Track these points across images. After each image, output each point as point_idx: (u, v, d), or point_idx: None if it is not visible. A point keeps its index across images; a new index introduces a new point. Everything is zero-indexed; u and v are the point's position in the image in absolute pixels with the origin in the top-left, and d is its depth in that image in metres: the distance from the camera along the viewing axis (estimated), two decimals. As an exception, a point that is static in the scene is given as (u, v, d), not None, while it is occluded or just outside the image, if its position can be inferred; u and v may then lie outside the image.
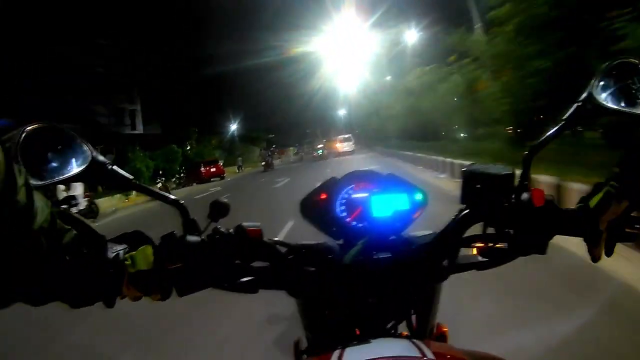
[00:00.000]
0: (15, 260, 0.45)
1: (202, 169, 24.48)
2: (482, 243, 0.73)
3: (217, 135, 43.11)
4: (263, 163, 27.91)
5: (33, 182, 0.50)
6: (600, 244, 0.65)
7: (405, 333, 0.79)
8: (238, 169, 31.95)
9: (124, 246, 0.64)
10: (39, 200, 0.47)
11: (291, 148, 46.66)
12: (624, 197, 0.63)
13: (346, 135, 36.36)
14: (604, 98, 0.64)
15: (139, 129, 33.28)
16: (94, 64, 27.08)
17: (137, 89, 32.82)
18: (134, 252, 0.63)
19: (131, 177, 0.69)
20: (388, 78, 29.49)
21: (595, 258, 0.67)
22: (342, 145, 33.95)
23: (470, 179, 0.70)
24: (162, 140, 29.61)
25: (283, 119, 79.16)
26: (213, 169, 24.87)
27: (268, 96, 65.90)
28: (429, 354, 0.55)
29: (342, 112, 66.69)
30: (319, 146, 35.67)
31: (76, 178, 0.65)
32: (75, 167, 0.65)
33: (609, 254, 0.67)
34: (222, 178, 24.80)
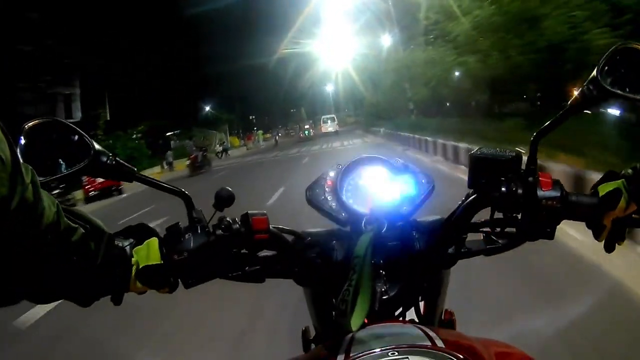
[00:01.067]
0: (23, 258, 0.48)
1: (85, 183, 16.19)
2: (489, 228, 0.76)
3: (176, 122, 39.03)
4: (188, 162, 20.85)
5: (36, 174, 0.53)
6: (604, 235, 0.68)
7: (414, 320, 0.81)
8: (164, 167, 26.01)
9: (130, 241, 0.66)
10: (46, 198, 0.49)
11: (259, 131, 40.09)
12: (633, 200, 0.65)
13: (330, 116, 38.45)
14: (610, 83, 0.65)
15: (76, 117, 28.23)
16: (17, 42, 23.00)
17: (77, 70, 28.50)
18: (140, 247, 0.66)
19: (134, 169, 0.71)
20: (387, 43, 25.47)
21: (606, 248, 0.70)
22: (326, 126, 36.29)
23: (477, 163, 0.71)
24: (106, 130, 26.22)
25: (266, 100, 72.12)
26: (98, 183, 16.09)
27: (248, 76, 58.57)
28: (439, 342, 0.57)
29: (330, 89, 59.55)
30: (305, 127, 38.12)
31: (79, 172, 0.68)
32: (78, 161, 0.67)
33: (609, 250, 0.70)
34: (119, 192, 17.33)
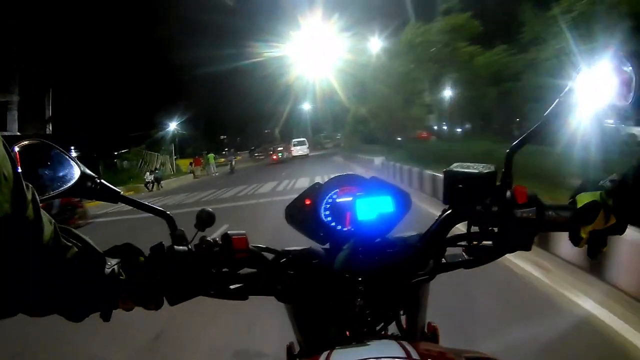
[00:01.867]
0: (23, 274, 0.51)
1: None
2: (466, 242, 0.79)
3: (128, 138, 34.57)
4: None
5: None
6: (582, 244, 0.71)
7: (396, 334, 0.85)
8: (149, 188, 23.29)
9: (117, 260, 0.70)
10: (44, 216, 0.52)
11: (209, 154, 33.10)
12: (612, 213, 0.68)
13: (300, 139, 39.23)
14: (586, 91, 0.68)
15: (12, 129, 25.24)
16: None
17: (17, 75, 25.27)
18: (127, 266, 0.70)
19: (119, 190, 0.76)
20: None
21: (590, 254, 0.73)
22: (296, 149, 36.80)
23: (452, 179, 0.74)
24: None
25: (238, 118, 68.23)
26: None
27: (218, 90, 54.64)
28: (415, 355, 0.59)
29: (307, 108, 56.09)
30: (279, 149, 38.41)
31: (66, 193, 0.71)
32: (65, 182, 0.71)
33: (592, 256, 0.73)
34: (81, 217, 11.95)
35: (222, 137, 78.15)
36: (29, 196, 0.48)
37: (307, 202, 0.92)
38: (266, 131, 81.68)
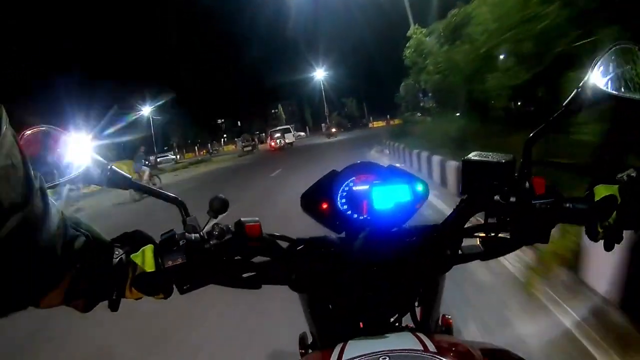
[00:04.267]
0: (33, 265, 0.53)
1: None
2: (484, 233, 0.82)
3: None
4: None
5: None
6: (599, 237, 0.74)
7: (410, 325, 0.90)
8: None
9: (126, 248, 0.74)
10: (52, 205, 0.55)
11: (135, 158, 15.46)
12: (628, 207, 0.71)
13: (284, 127, 38.85)
14: (604, 83, 0.71)
15: None
16: None
17: None
18: (136, 254, 0.73)
19: (130, 176, 0.79)
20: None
21: (606, 247, 0.75)
22: (278, 139, 35.47)
23: (470, 169, 0.77)
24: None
25: (238, 97, 54.94)
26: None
27: (214, 62, 44.59)
28: (431, 347, 0.61)
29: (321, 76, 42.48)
30: (276, 134, 36.34)
31: (76, 179, 0.74)
32: (75, 169, 0.74)
33: (608, 249, 0.75)
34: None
35: (219, 120, 63.18)
36: (37, 185, 0.49)
37: (323, 189, 0.94)
38: (274, 111, 66.51)
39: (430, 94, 18.05)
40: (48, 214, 0.52)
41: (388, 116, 61.56)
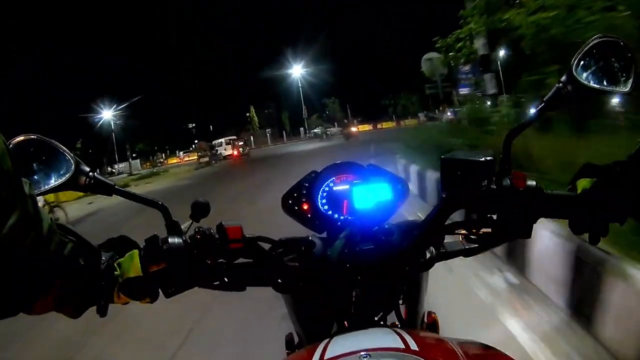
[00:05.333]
0: (24, 271, 0.53)
1: None
2: (465, 229, 0.84)
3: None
4: None
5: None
6: (583, 231, 0.76)
7: (396, 323, 0.92)
8: None
9: (112, 254, 0.76)
10: (42, 211, 0.57)
11: None
12: (613, 202, 0.72)
13: (232, 137, 37.00)
14: (585, 77, 0.72)
15: None
16: None
17: None
18: (122, 259, 0.76)
19: (113, 183, 0.81)
20: None
21: (591, 241, 0.76)
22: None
23: (449, 167, 0.78)
24: None
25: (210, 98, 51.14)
26: None
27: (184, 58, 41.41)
28: (413, 345, 0.61)
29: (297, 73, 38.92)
30: (240, 142, 35.50)
31: (61, 187, 0.77)
32: (59, 177, 0.76)
33: (593, 243, 0.76)
34: None
35: (189, 125, 57.99)
36: (27, 191, 0.51)
37: (304, 190, 0.96)
38: (247, 114, 61.37)
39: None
40: (38, 220, 0.53)
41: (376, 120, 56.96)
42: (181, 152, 50.33)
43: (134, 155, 48.60)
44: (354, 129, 32.55)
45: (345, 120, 35.92)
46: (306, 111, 56.40)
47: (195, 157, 37.06)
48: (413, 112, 55.52)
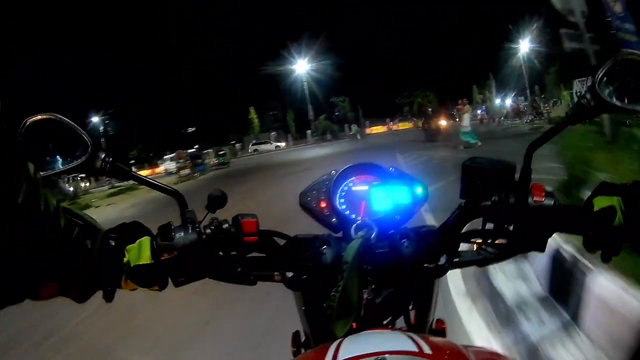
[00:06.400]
0: (30, 256, 0.54)
1: None
2: (480, 238, 0.85)
3: None
4: None
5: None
6: (596, 249, 0.76)
7: (404, 328, 0.92)
8: None
9: (122, 239, 0.76)
10: (48, 194, 0.57)
11: None
12: (628, 219, 0.71)
13: (189, 151, 31.65)
14: (608, 94, 0.72)
15: None
16: None
17: None
18: (132, 246, 0.76)
19: (129, 169, 0.81)
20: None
21: (603, 258, 0.76)
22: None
23: (470, 173, 0.79)
24: None
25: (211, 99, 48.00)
26: None
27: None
28: (426, 349, 0.62)
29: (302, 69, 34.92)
30: (220, 152, 32.37)
31: (77, 169, 0.77)
32: (75, 158, 0.76)
33: (605, 260, 0.76)
34: None
35: (189, 129, 54.34)
36: (32, 174, 0.50)
37: (323, 188, 0.97)
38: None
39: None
40: (42, 203, 0.53)
41: (388, 120, 52.22)
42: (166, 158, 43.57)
43: (131, 161, 44.69)
44: (443, 123, 21.07)
45: (429, 110, 27.13)
46: (312, 112, 51.83)
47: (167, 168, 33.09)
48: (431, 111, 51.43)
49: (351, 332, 0.75)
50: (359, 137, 39.99)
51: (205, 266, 0.79)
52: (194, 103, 57.24)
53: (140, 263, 0.73)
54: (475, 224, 0.83)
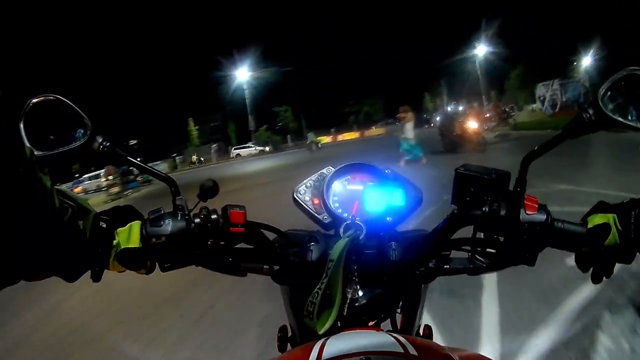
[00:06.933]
0: (25, 238, 0.55)
1: None
2: (469, 247, 0.84)
3: None
4: None
5: (35, 152, 0.65)
6: (588, 267, 0.75)
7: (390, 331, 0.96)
8: None
9: (113, 222, 0.78)
10: (43, 176, 0.58)
11: None
12: (622, 238, 0.71)
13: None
14: (611, 109, 0.70)
15: None
16: None
17: None
18: (122, 229, 0.78)
19: (125, 154, 0.82)
20: None
21: (593, 279, 0.76)
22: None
23: (462, 180, 0.77)
24: None
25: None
26: None
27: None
28: (412, 350, 0.62)
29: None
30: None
31: (75, 151, 0.77)
32: (75, 140, 0.76)
33: (595, 281, 0.76)
34: None
35: (131, 142, 52.81)
36: (29, 155, 0.52)
37: (317, 185, 0.97)
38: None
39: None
40: (37, 183, 0.54)
41: (333, 130, 51.50)
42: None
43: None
44: (472, 126, 15.04)
45: (451, 110, 26.63)
46: (253, 122, 50.27)
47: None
48: (376, 120, 51.18)
49: (336, 331, 0.75)
50: (314, 147, 36.22)
51: (193, 254, 0.80)
52: (138, 114, 55.03)
53: (129, 246, 0.75)
54: (468, 231, 0.82)
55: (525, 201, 0.74)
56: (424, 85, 60.50)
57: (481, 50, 44.96)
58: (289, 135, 50.80)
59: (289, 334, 0.99)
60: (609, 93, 0.70)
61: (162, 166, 36.94)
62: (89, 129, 0.76)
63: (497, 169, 0.77)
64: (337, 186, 0.97)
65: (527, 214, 0.73)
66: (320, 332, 0.73)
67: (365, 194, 0.93)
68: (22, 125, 0.68)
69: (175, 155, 49.71)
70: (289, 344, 0.99)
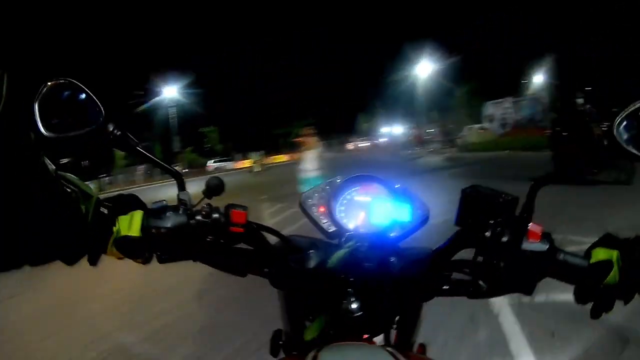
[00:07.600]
0: (27, 220, 0.57)
1: None
2: (468, 269, 0.83)
3: None
4: None
5: (47, 134, 0.69)
6: (588, 302, 0.75)
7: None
8: None
9: (115, 208, 0.79)
10: (46, 161, 0.60)
11: None
12: (624, 276, 0.70)
13: None
14: (626, 140, 0.68)
15: None
16: None
17: None
18: (124, 217, 0.79)
19: (137, 142, 0.83)
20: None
21: (592, 314, 0.75)
22: None
23: (468, 201, 0.77)
24: None
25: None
26: None
27: None
28: None
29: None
30: None
31: (86, 135, 0.78)
32: (87, 125, 0.77)
33: (594, 316, 0.75)
34: None
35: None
36: (32, 139, 0.54)
37: (325, 194, 0.98)
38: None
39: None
40: (40, 168, 0.55)
41: (262, 152, 51.40)
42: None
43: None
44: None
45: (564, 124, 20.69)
46: (179, 143, 49.52)
47: None
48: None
49: (329, 341, 0.75)
50: (255, 169, 32.14)
51: (192, 249, 0.81)
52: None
53: (129, 234, 0.76)
54: (471, 252, 0.82)
55: (529, 228, 0.74)
56: (358, 106, 61.01)
57: (423, 68, 43.58)
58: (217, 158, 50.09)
59: (283, 339, 1.00)
60: (624, 122, 0.69)
61: (92, 186, 35.64)
62: (102, 115, 0.78)
63: (505, 193, 0.76)
64: (345, 196, 0.99)
65: (530, 242, 0.73)
66: (307, 339, 0.75)
67: (372, 206, 0.94)
68: (36, 107, 0.69)
69: (104, 175, 48.16)
70: (281, 350, 0.99)
